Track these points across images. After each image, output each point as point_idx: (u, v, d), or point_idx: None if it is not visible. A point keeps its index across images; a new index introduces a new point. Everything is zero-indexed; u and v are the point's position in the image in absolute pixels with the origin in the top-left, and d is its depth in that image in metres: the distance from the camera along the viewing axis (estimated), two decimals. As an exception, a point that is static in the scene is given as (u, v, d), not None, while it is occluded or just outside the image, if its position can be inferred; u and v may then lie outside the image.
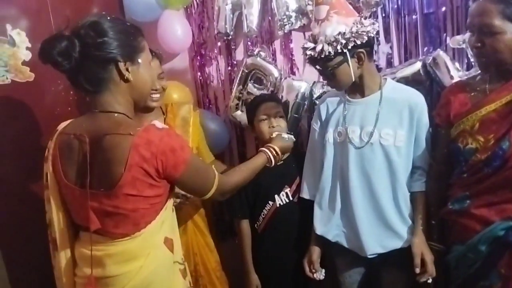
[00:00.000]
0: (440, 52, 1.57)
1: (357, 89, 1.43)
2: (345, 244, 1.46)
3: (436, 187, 1.37)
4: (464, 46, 1.53)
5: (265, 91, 1.86)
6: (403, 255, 1.35)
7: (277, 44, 1.91)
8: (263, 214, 1.67)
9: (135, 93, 1.06)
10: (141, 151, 0.97)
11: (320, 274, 1.52)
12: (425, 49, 1.69)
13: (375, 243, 1.39)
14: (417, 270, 1.30)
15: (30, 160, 1.57)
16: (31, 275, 1.58)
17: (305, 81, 1.81)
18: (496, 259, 1.17)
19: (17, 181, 1.60)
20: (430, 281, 1.31)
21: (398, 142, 1.36)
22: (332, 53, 1.29)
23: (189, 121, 1.66)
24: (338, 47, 1.28)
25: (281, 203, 1.64)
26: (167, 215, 1.10)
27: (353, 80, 1.36)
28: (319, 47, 1.30)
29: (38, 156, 1.56)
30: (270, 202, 1.65)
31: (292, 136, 1.50)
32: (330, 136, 1.47)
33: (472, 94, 1.24)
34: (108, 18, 1.02)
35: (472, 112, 1.21)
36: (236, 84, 1.90)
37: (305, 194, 1.58)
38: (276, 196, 1.64)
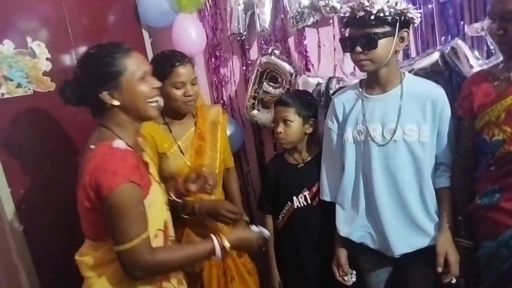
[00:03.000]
0: (458, 41, 1.54)
1: (378, 83, 1.39)
2: (371, 245, 1.43)
3: (461, 182, 1.33)
4: (483, 33, 1.49)
5: (281, 90, 1.85)
6: (431, 252, 1.31)
7: (291, 41, 1.90)
8: (283, 214, 1.67)
9: (130, 111, 1.13)
10: (90, 163, 1.05)
11: (351, 277, 1.47)
12: (443, 38, 1.66)
13: (403, 242, 1.36)
14: (439, 270, 1.27)
15: (54, 168, 1.62)
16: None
17: (320, 77, 1.80)
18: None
19: (39, 190, 1.63)
20: (454, 281, 1.27)
21: (423, 138, 1.33)
22: (389, 16, 1.25)
23: (218, 125, 1.64)
24: (398, 12, 1.25)
25: (299, 205, 1.63)
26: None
27: (386, 61, 1.30)
28: (378, 6, 1.24)
29: (60, 163, 1.60)
30: (289, 203, 1.65)
31: (266, 231, 1.30)
32: (349, 135, 1.43)
33: (496, 83, 1.21)
34: (86, 52, 1.13)
35: (497, 102, 1.18)
36: (251, 84, 1.90)
37: (326, 197, 1.54)
38: (294, 197, 1.63)
